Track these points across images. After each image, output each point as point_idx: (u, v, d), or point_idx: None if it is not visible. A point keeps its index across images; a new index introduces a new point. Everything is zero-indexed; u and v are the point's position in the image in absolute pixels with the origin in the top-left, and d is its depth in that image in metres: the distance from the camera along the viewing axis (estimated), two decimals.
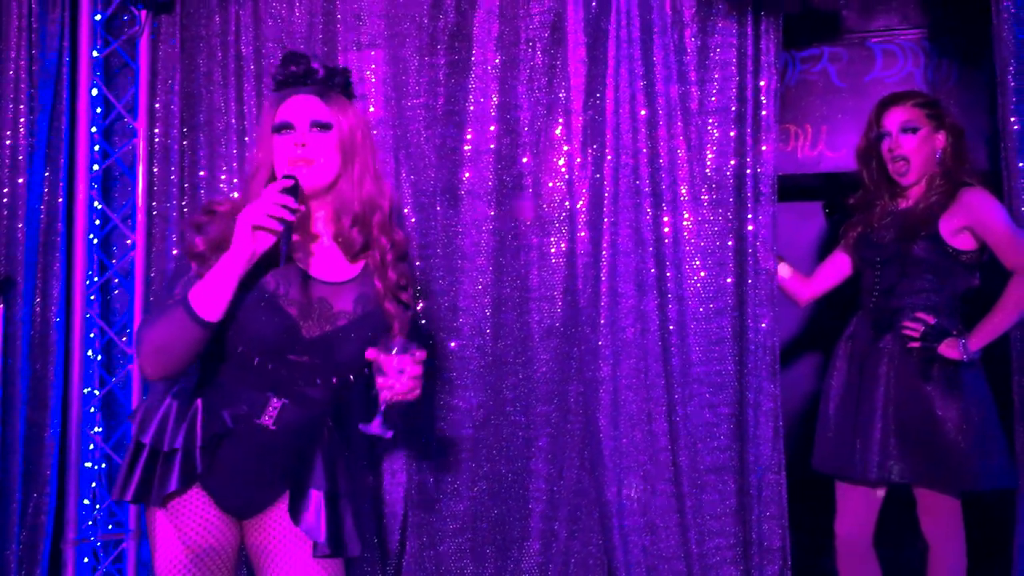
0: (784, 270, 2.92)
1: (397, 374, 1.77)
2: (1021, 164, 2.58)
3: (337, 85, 1.97)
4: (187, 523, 1.90)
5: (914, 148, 2.69)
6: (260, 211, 1.73)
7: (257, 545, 1.97)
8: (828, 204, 3.81)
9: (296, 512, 1.91)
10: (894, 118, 2.71)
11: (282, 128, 1.89)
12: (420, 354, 1.79)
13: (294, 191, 1.77)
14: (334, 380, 1.91)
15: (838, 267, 2.92)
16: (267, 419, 1.88)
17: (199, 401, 1.88)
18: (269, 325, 1.83)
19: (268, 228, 1.74)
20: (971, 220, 2.60)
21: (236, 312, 1.81)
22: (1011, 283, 2.55)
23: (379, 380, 1.79)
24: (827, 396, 2.80)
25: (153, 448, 1.88)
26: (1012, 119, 2.61)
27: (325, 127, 1.89)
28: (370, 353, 1.80)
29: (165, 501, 1.89)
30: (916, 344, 2.60)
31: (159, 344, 1.77)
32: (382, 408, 1.81)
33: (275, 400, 1.87)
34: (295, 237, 1.85)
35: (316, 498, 1.91)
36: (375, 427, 1.81)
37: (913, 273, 2.65)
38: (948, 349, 2.56)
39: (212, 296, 1.75)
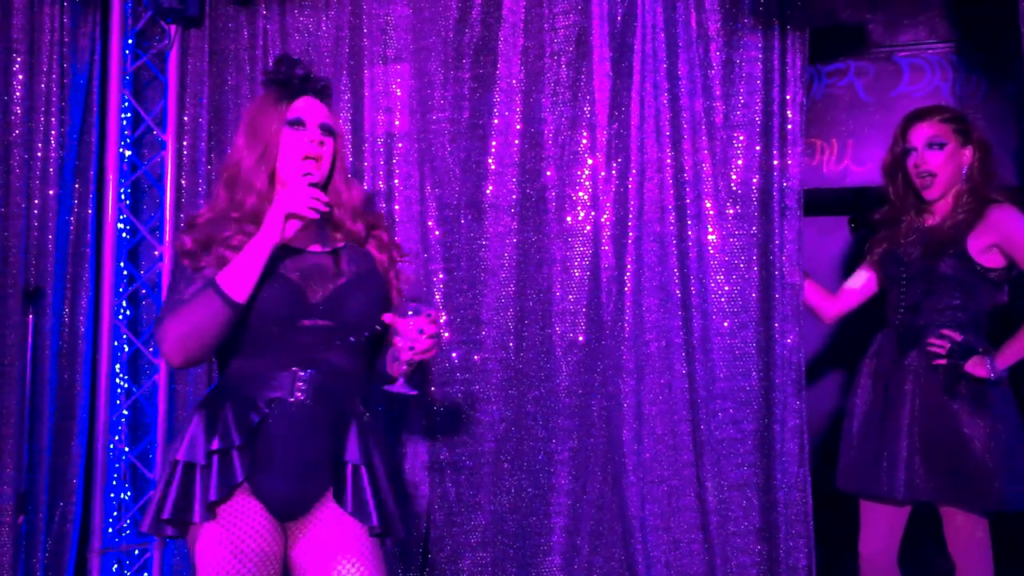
0: (809, 287, 2.90)
1: (417, 334, 1.86)
2: None
3: (330, 95, 2.12)
4: (237, 530, 1.87)
5: (940, 164, 2.65)
6: (297, 201, 1.86)
7: (298, 557, 1.95)
8: (853, 219, 3.79)
9: (341, 494, 1.92)
10: (920, 133, 2.68)
11: (297, 123, 2.02)
12: (436, 314, 1.90)
13: (318, 187, 1.94)
14: (351, 339, 1.97)
15: (864, 284, 2.89)
16: (299, 394, 1.92)
17: (228, 404, 1.91)
18: (277, 292, 1.92)
19: (303, 217, 1.87)
20: (999, 238, 2.57)
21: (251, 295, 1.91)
22: None
23: (397, 341, 1.88)
24: (851, 414, 2.76)
25: (188, 463, 1.88)
26: None
27: (331, 132, 2.05)
28: (387, 317, 1.89)
29: (211, 509, 1.87)
30: (942, 361, 2.57)
31: (187, 330, 1.87)
32: (404, 368, 1.90)
33: (301, 372, 1.92)
34: (296, 228, 1.93)
35: (354, 472, 1.93)
36: (399, 386, 1.92)
37: (939, 290, 2.62)
38: (975, 367, 2.53)
39: (240, 277, 1.86)
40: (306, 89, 2.04)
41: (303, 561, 1.94)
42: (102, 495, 3.31)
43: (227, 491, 1.87)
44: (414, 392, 1.93)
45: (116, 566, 3.38)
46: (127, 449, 3.43)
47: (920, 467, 2.54)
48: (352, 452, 1.94)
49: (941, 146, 2.65)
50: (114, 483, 3.39)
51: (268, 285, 1.91)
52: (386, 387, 1.92)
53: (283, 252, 1.95)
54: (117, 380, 3.40)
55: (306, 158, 1.99)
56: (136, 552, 3.41)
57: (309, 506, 1.94)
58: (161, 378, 3.40)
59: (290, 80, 2.03)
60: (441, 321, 1.94)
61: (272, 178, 2.02)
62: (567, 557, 3.05)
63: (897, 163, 2.75)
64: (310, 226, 1.99)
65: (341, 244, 2.06)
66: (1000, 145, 3.24)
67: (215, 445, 1.87)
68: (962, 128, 2.68)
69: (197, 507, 1.86)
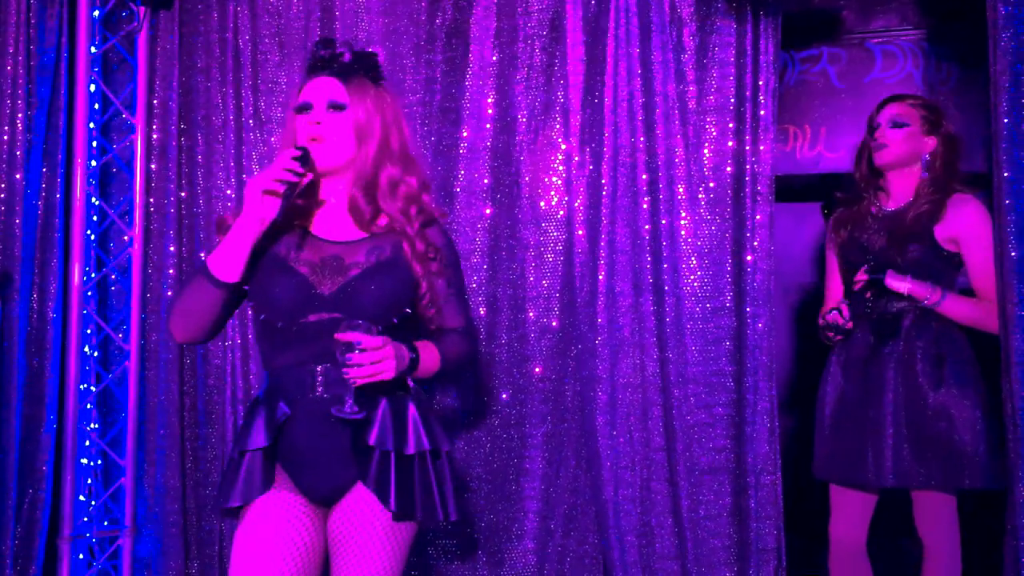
0: None
1: (356, 357, 1.79)
2: (1007, 174, 2.39)
3: (361, 68, 2.02)
4: (275, 520, 1.89)
5: (898, 140, 2.68)
6: (268, 176, 1.85)
7: (329, 528, 1.96)
8: (826, 205, 3.80)
9: (365, 476, 1.91)
10: (887, 112, 2.72)
11: (302, 108, 1.98)
12: (372, 342, 1.80)
13: (302, 159, 1.88)
14: None
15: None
16: (319, 389, 1.91)
17: (263, 403, 1.94)
18: (284, 285, 1.92)
19: (273, 191, 1.85)
20: (958, 233, 2.60)
21: (259, 286, 1.93)
22: (980, 301, 2.60)
23: (340, 361, 1.81)
24: (823, 402, 2.76)
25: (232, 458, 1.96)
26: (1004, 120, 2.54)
27: (340, 108, 1.96)
28: (337, 335, 1.81)
29: (235, 512, 1.92)
30: (862, 279, 2.61)
31: (183, 308, 1.94)
32: (351, 389, 1.83)
33: (317, 368, 1.91)
34: (300, 202, 1.95)
35: (380, 456, 1.91)
36: (347, 409, 1.84)
37: (909, 275, 2.62)
38: (894, 281, 2.58)
39: (226, 258, 1.89)
40: (324, 69, 1.99)
41: (330, 538, 1.95)
42: (72, 482, 3.28)
43: (251, 494, 1.90)
44: (361, 415, 1.85)
45: (86, 553, 3.36)
46: (97, 434, 3.39)
47: (908, 453, 2.55)
48: (377, 437, 1.90)
49: (903, 126, 2.68)
50: (85, 469, 3.35)
51: (278, 278, 1.92)
52: (334, 410, 1.85)
53: (301, 241, 1.96)
54: (87, 367, 3.37)
55: (308, 139, 1.94)
56: (107, 540, 3.38)
57: (343, 492, 1.94)
58: (132, 364, 3.37)
59: (314, 63, 2.01)
60: (377, 348, 1.81)
61: None
62: (540, 541, 3.06)
63: (864, 146, 2.78)
64: (330, 209, 1.98)
65: (364, 235, 1.99)
66: (971, 132, 3.26)
67: (247, 445, 1.91)
68: (931, 117, 2.70)
69: (228, 502, 1.92)
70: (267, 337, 1.96)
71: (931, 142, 2.69)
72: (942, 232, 2.62)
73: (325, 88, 1.97)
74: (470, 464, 3.10)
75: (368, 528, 1.91)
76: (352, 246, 1.98)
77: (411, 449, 1.94)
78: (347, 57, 2.00)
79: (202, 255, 3.30)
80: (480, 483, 3.10)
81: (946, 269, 2.64)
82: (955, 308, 2.59)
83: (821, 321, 2.75)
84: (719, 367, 2.93)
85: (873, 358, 2.65)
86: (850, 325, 2.66)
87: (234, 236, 1.89)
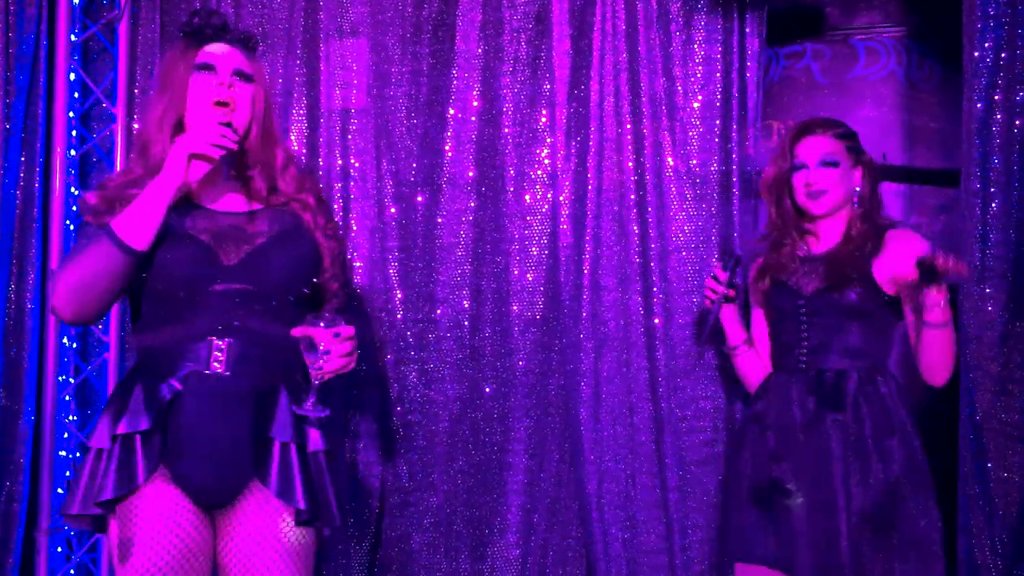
0: (749, 355, 2.58)
1: (324, 353, 1.73)
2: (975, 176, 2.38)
3: (253, 46, 1.99)
4: (154, 523, 1.71)
5: (833, 182, 2.40)
6: (201, 140, 1.76)
7: (223, 558, 1.80)
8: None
9: (265, 474, 1.76)
10: (814, 149, 2.42)
11: (205, 67, 1.89)
12: (346, 331, 1.75)
13: (229, 126, 1.84)
14: (273, 303, 1.85)
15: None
16: (217, 366, 1.77)
17: (139, 382, 1.78)
18: (184, 254, 1.80)
19: (207, 156, 1.77)
20: (900, 268, 2.29)
21: (157, 254, 1.79)
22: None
23: (307, 358, 1.75)
24: (739, 472, 2.44)
25: (99, 449, 1.76)
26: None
27: (248, 78, 1.92)
28: (296, 331, 1.74)
29: (112, 505, 1.73)
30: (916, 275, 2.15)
31: (80, 279, 1.75)
32: (315, 386, 1.76)
33: (217, 342, 1.78)
34: (203, 172, 1.83)
35: (282, 450, 1.77)
36: (308, 407, 1.77)
37: (847, 327, 2.35)
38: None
39: (138, 222, 1.75)
40: (221, 37, 1.92)
41: (227, 562, 1.79)
42: (50, 474, 3.25)
43: (129, 484, 1.71)
44: (324, 414, 1.77)
45: (64, 546, 3.33)
46: (75, 426, 3.36)
47: (868, 541, 2.22)
48: (279, 428, 1.78)
49: (835, 165, 2.41)
50: (63, 462, 3.32)
51: (175, 247, 1.79)
52: (294, 408, 1.78)
53: (194, 213, 1.85)
54: (65, 358, 3.33)
55: (216, 103, 1.86)
56: (85, 533, 3.35)
57: (235, 493, 1.79)
58: (111, 356, 3.34)
59: (203, 29, 1.91)
60: (351, 338, 1.75)
61: (180, 128, 1.89)
62: (523, 535, 3.06)
63: (782, 179, 2.49)
64: (219, 183, 1.89)
65: (259, 206, 1.94)
66: (952, 130, 3.28)
67: (120, 429, 1.73)
68: (854, 146, 2.46)
69: (101, 497, 1.73)
70: (159, 308, 1.81)
71: (857, 174, 2.44)
72: (882, 272, 2.34)
73: (229, 55, 1.90)
74: (453, 458, 3.09)
75: (273, 540, 1.76)
76: (250, 216, 1.91)
77: (312, 446, 1.83)
78: (240, 31, 1.98)
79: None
80: (463, 477, 3.09)
81: (887, 315, 2.37)
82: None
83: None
84: (705, 361, 2.94)
85: (814, 426, 2.32)
86: (732, 293, 2.39)
87: (149, 200, 1.76)
